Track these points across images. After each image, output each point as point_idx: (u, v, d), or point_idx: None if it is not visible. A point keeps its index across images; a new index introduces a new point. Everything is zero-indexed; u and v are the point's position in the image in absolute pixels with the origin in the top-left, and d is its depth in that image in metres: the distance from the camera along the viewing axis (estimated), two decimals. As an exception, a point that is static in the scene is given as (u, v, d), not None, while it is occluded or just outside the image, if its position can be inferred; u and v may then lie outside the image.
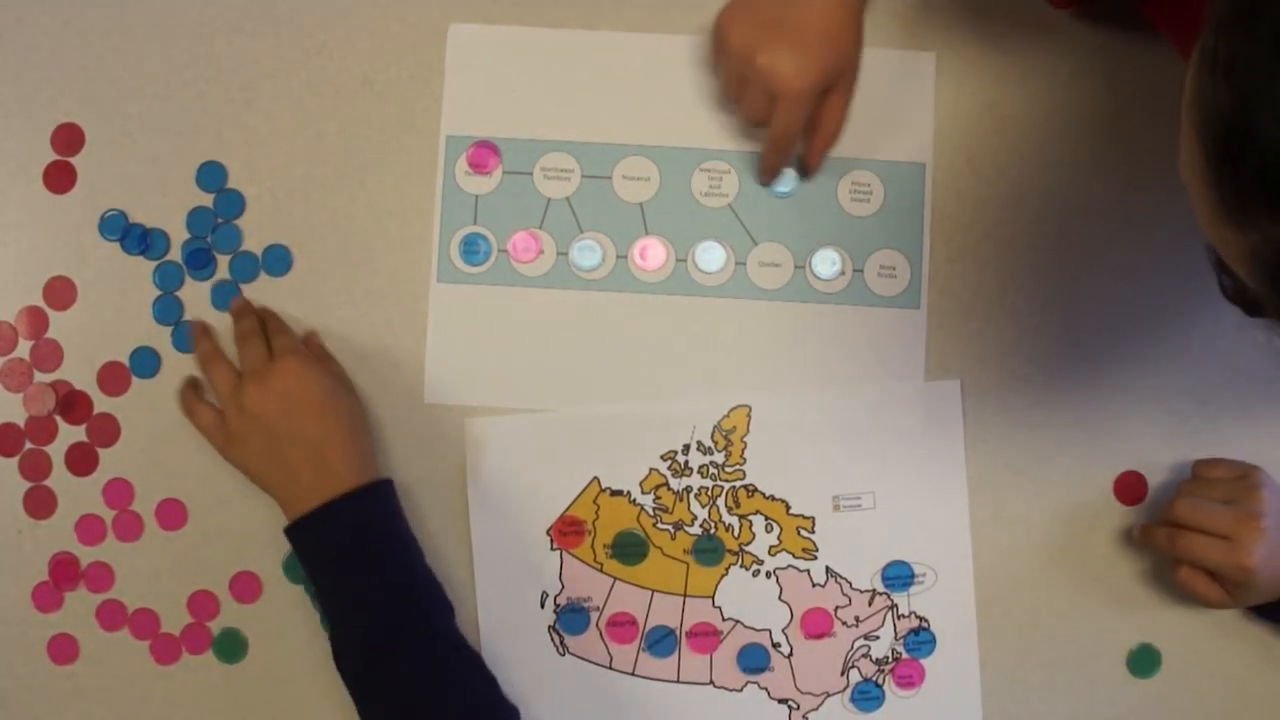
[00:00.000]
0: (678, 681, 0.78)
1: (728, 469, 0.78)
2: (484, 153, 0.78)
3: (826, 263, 0.78)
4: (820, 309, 0.78)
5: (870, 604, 0.78)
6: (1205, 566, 0.71)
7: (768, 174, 0.77)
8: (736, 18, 0.70)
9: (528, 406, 0.78)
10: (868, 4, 0.70)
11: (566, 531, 0.78)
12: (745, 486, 0.78)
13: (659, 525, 0.78)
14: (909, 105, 0.78)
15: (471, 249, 0.78)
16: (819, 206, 0.78)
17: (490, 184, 0.78)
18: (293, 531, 0.71)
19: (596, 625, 0.78)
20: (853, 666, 0.78)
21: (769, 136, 0.72)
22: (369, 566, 0.70)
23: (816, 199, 0.78)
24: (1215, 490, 0.73)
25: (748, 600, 0.78)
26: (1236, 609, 0.75)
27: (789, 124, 0.70)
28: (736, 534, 0.78)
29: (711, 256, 0.78)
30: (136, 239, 0.79)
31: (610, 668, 0.78)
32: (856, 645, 0.78)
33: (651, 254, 0.78)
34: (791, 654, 0.78)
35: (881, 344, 0.78)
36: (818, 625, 0.78)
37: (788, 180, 0.78)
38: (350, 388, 0.76)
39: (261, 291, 0.79)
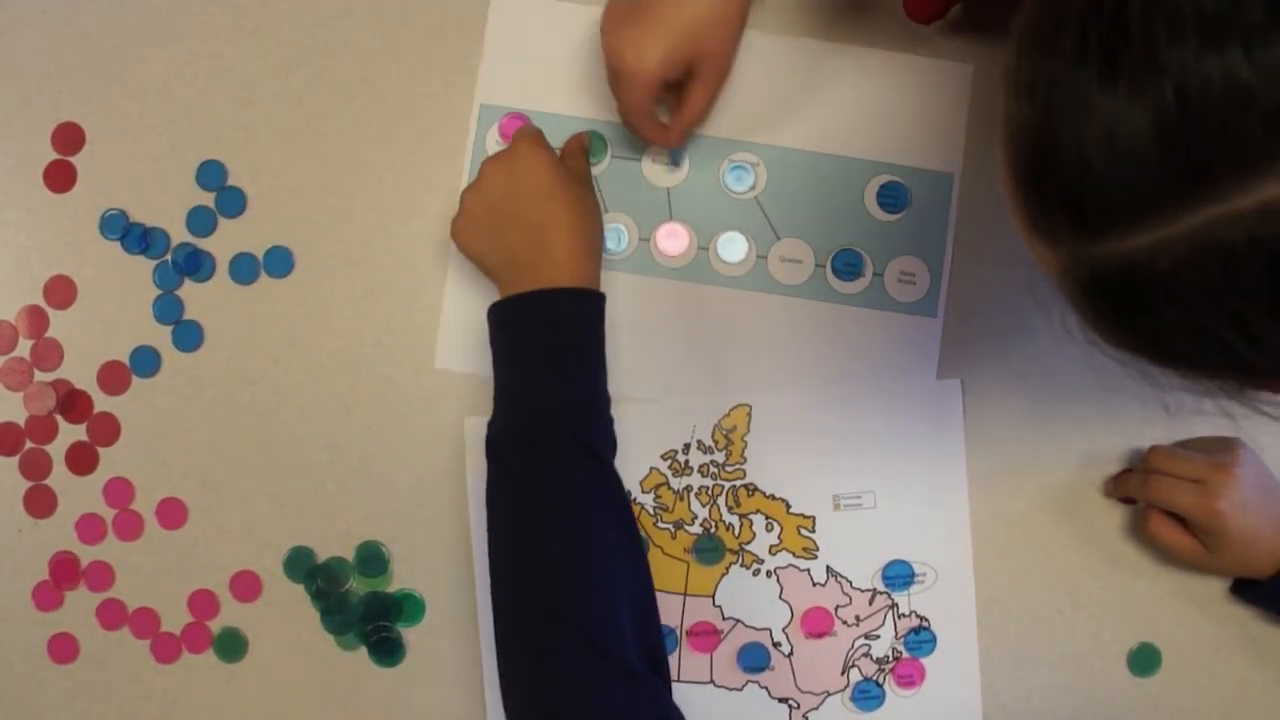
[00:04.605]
0: (678, 680, 0.78)
1: (728, 468, 0.78)
2: (516, 124, 0.78)
3: (847, 264, 0.78)
4: (836, 309, 0.78)
5: (870, 603, 0.78)
6: (1176, 509, 0.72)
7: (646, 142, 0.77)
8: (614, 1, 0.70)
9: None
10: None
11: (567, 531, 0.78)
12: (745, 485, 0.78)
13: (659, 524, 0.78)
14: (942, 115, 0.78)
15: None
16: (845, 207, 0.78)
17: None
18: (495, 309, 0.70)
19: (597, 624, 0.78)
20: (853, 665, 0.78)
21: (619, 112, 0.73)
22: (554, 370, 0.69)
23: (842, 200, 0.78)
24: (1195, 449, 0.74)
25: (748, 599, 0.78)
26: (1211, 574, 0.76)
27: (626, 101, 0.70)
28: (737, 533, 0.78)
29: (734, 247, 0.78)
30: (137, 238, 0.79)
31: (610, 667, 0.78)
32: (857, 644, 0.78)
33: (674, 239, 0.78)
34: (792, 653, 0.78)
35: (895, 350, 0.78)
36: (818, 624, 0.78)
37: (677, 154, 0.78)
38: (590, 187, 0.75)
39: (263, 291, 0.79)
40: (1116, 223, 0.38)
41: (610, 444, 0.70)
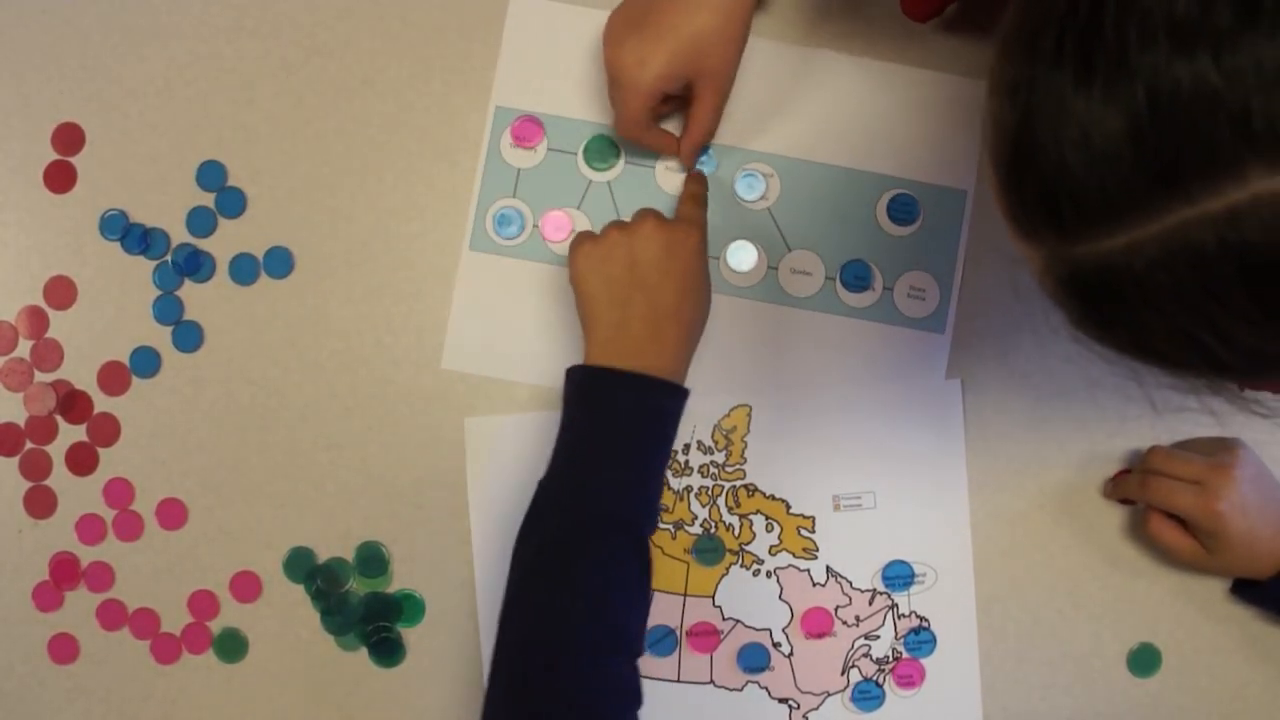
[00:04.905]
0: (678, 681, 0.78)
1: (728, 468, 0.78)
2: (529, 127, 0.78)
3: (857, 276, 0.78)
4: (845, 322, 0.78)
5: (870, 603, 0.78)
6: (1175, 510, 0.72)
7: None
8: (619, 11, 0.71)
9: (537, 382, 0.78)
10: (762, 5, 0.69)
11: (567, 531, 0.78)
12: (745, 486, 0.78)
13: (659, 524, 0.78)
14: (958, 132, 0.78)
15: (505, 222, 0.78)
16: (856, 220, 0.78)
17: (534, 159, 0.78)
18: (588, 377, 0.68)
19: (597, 625, 0.78)
20: (853, 666, 0.78)
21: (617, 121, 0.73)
22: (629, 459, 0.67)
23: (855, 213, 0.78)
24: (1194, 450, 0.74)
25: (748, 600, 0.78)
26: (1212, 574, 0.76)
27: (623, 110, 0.71)
28: (737, 533, 0.78)
29: (743, 256, 0.78)
30: (137, 239, 0.79)
31: (610, 667, 0.78)
32: (857, 645, 0.78)
33: None
34: (792, 653, 0.78)
35: (902, 365, 0.78)
36: (818, 625, 0.78)
37: (706, 160, 0.78)
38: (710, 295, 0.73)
39: (263, 292, 0.79)
40: (1093, 223, 0.39)
41: (654, 523, 0.68)
